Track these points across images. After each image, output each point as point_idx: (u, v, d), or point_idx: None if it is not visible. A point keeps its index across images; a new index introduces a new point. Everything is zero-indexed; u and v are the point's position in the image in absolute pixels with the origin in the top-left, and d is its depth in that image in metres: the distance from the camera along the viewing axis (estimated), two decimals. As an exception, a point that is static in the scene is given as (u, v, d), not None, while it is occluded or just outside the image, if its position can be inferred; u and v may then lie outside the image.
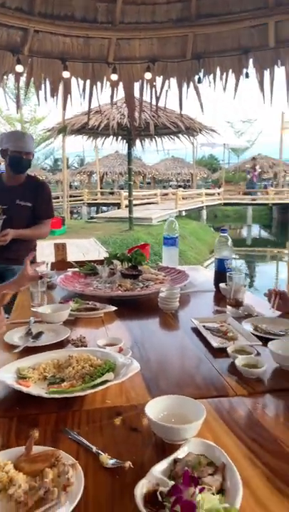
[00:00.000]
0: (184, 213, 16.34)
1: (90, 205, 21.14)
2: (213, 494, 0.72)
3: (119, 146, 11.75)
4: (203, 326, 1.64)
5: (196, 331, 1.64)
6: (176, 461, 0.83)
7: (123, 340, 1.49)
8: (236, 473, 0.79)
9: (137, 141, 10.98)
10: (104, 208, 21.33)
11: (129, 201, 11.55)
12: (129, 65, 3.82)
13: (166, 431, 0.92)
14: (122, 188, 21.34)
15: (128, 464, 0.85)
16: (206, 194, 19.91)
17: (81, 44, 3.58)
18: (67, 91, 4.02)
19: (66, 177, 16.36)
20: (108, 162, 25.23)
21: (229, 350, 1.36)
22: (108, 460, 0.87)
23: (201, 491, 0.70)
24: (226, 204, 20.91)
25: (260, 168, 25.68)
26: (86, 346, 1.50)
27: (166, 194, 20.90)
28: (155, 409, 0.98)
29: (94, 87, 4.01)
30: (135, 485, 0.76)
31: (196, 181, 27.61)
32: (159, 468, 0.81)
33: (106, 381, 1.15)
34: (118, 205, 18.54)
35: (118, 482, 0.82)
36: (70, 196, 18.80)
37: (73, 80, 3.99)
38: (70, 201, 18.19)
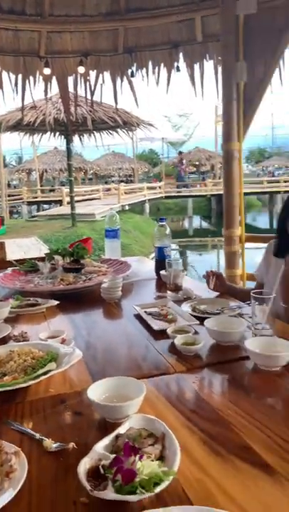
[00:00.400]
0: (127, 207, 16.41)
1: (30, 203, 20.58)
2: (152, 461, 0.76)
3: (58, 142, 11.59)
4: (145, 312, 1.69)
5: (139, 317, 1.68)
6: (117, 436, 0.86)
7: (66, 331, 1.50)
8: (175, 440, 0.84)
9: (76, 137, 10.86)
10: (46, 206, 20.87)
11: (71, 198, 11.40)
12: (61, 59, 3.78)
13: (107, 410, 0.95)
14: (64, 185, 20.97)
15: (71, 445, 0.87)
16: (148, 188, 20.13)
17: (10, 37, 3.48)
18: (-2, 85, 3.90)
19: (3, 176, 15.81)
20: (47, 159, 24.67)
21: (169, 331, 1.41)
22: (52, 444, 0.88)
23: (140, 458, 0.74)
24: (167, 197, 21.29)
25: (198, 161, 26.39)
26: (28, 341, 1.49)
27: (108, 189, 20.87)
28: (97, 391, 1.01)
29: (26, 81, 3.92)
30: (78, 463, 0.78)
31: (138, 176, 27.81)
32: (102, 444, 0.84)
33: (48, 371, 1.16)
34: (60, 203, 18.22)
35: (62, 464, 0.84)
36: (9, 195, 18.20)
37: (4, 74, 3.87)
38: (9, 200, 17.61)
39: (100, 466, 0.76)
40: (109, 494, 0.70)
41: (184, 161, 24.35)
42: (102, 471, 0.75)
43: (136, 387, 1.02)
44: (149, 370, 1.24)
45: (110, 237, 2.86)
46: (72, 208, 11.43)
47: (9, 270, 2.44)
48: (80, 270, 2.33)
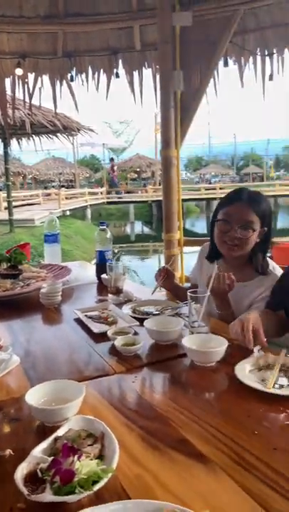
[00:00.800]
0: (68, 213, 16.16)
1: None
2: (91, 460, 0.77)
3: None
4: (85, 315, 1.68)
5: (79, 321, 1.67)
6: (56, 439, 0.85)
7: (2, 339, 1.45)
8: (113, 438, 0.84)
9: (14, 141, 10.54)
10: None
11: (9, 203, 11.04)
12: (-3, 59, 3.67)
13: (46, 414, 0.94)
14: (0, 190, 20.24)
15: (8, 451, 0.85)
16: (90, 193, 20.02)
17: None
18: None
19: None
20: (-17, 163, 23.67)
21: (109, 333, 1.42)
22: (-13, 453, 0.85)
23: (79, 458, 0.74)
24: (108, 203, 21.30)
25: (139, 168, 26.72)
26: None
27: (48, 194, 20.44)
28: (35, 396, 0.99)
29: None
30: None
31: (79, 181, 27.58)
32: (40, 448, 0.82)
33: (-16, 378, 1.12)
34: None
35: (-1, 471, 0.81)
36: None
37: None
38: None
39: (38, 470, 0.75)
40: (47, 496, 0.69)
41: (116, 168, 24.77)
42: (39, 474, 0.74)
43: (75, 389, 1.01)
44: (90, 373, 1.24)
45: (50, 242, 2.82)
46: (10, 213, 11.06)
47: None
48: (17, 276, 2.26)
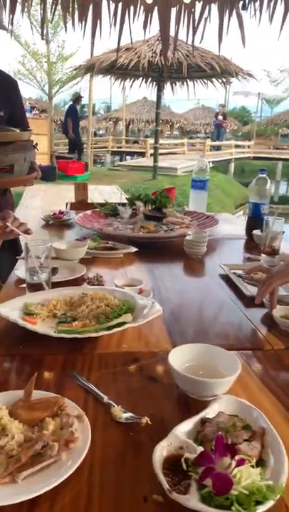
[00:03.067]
0: (210, 165, 15.71)
1: (114, 153, 20.56)
2: (252, 467, 0.57)
3: (148, 90, 11.09)
4: (234, 273, 1.46)
5: (226, 277, 1.46)
6: (204, 421, 0.68)
7: (144, 282, 1.33)
8: (279, 441, 0.63)
9: (168, 85, 10.34)
10: (128, 157, 20.76)
11: (155, 149, 11.07)
12: (166, -15, 3.40)
13: (192, 384, 0.77)
14: (148, 138, 20.60)
15: (145, 419, 0.71)
16: (236, 146, 19.03)
17: None
18: (97, 15, 3.64)
19: (91, 123, 15.80)
20: (135, 109, 24.25)
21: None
22: (121, 413, 0.73)
23: (239, 463, 0.55)
24: (255, 158, 19.97)
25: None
26: (103, 286, 1.35)
27: (193, 145, 20.11)
28: (179, 358, 0.83)
29: (126, 11, 3.62)
30: (152, 445, 0.62)
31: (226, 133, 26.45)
32: (183, 428, 0.66)
33: (123, 323, 1.00)
34: (143, 155, 17.97)
35: (132, 441, 0.68)
36: (95, 144, 18.26)
37: (104, 4, 3.60)
38: (94, 149, 17.68)
39: (183, 460, 0.58)
40: (194, 502, 0.52)
41: (221, 116, 17.94)
42: (184, 466, 0.58)
43: (227, 360, 0.82)
44: (240, 342, 1.04)
45: (197, 188, 2.62)
46: (155, 160, 11.13)
47: (89, 212, 2.32)
48: (161, 219, 2.14)
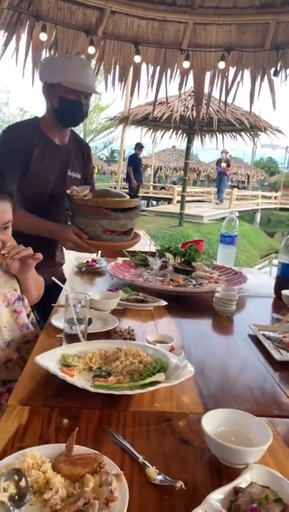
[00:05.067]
0: (237, 214, 15.85)
1: (141, 198, 21.10)
2: None
3: (178, 141, 11.52)
4: (263, 335, 1.49)
5: (254, 338, 1.49)
6: (237, 490, 0.70)
7: (174, 338, 1.37)
8: (311, 519, 0.65)
9: (197, 137, 10.75)
10: (154, 203, 21.24)
11: (182, 196, 11.35)
12: (202, 53, 3.66)
13: (225, 451, 0.80)
14: (175, 184, 21.11)
15: (180, 484, 0.74)
16: (262, 196, 19.26)
17: (156, 28, 3.46)
18: (136, 76, 3.93)
19: (121, 168, 16.43)
20: (164, 157, 25.09)
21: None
22: (156, 475, 0.76)
23: (273, 538, 0.57)
24: (282, 209, 20.13)
25: None
26: (134, 339, 1.40)
27: (220, 193, 20.44)
28: (212, 422, 0.86)
29: (164, 74, 3.89)
30: (186, 511, 0.65)
31: (252, 183, 26.86)
32: (217, 496, 0.69)
33: (157, 382, 1.04)
34: (169, 201, 18.38)
35: (167, 504, 0.71)
36: (123, 188, 18.87)
37: (143, 66, 3.89)
38: (123, 193, 18.20)
39: (218, 529, 0.61)
40: None
41: (225, 164, 16.06)
42: (219, 535, 0.60)
43: (259, 428, 0.85)
44: (269, 408, 1.06)
45: (226, 243, 2.69)
46: (182, 207, 11.38)
47: (120, 261, 2.41)
48: (190, 273, 2.20)
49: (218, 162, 16.16)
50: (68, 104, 1.86)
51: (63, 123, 1.94)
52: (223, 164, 15.77)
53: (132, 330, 1.47)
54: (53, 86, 1.86)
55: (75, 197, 1.88)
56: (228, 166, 16.06)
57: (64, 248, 1.87)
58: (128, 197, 2.00)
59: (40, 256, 1.39)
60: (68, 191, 1.94)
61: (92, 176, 2.27)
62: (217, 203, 16.25)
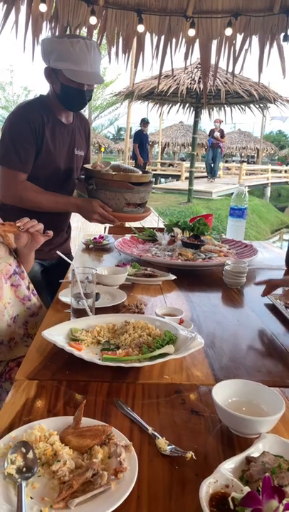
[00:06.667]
0: (246, 189, 15.65)
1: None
2: (300, 512, 0.57)
3: (185, 115, 11.23)
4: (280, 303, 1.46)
5: (271, 308, 1.47)
6: (249, 460, 0.69)
7: (183, 311, 1.35)
8: None
9: (205, 110, 10.50)
10: (162, 180, 21.03)
11: (190, 172, 11.18)
12: (208, 20, 3.52)
13: (236, 421, 0.78)
14: (183, 160, 20.82)
15: (190, 454, 0.72)
16: (272, 170, 18.92)
17: (159, -6, 3.32)
18: (140, 47, 3.80)
19: (128, 146, 16.21)
20: (171, 132, 24.65)
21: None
22: (166, 446, 0.74)
23: (287, 507, 0.55)
24: (292, 183, 19.82)
25: None
26: (143, 313, 1.38)
27: (228, 168, 20.16)
28: (223, 393, 0.84)
29: (168, 43, 3.76)
30: (197, 480, 0.64)
31: (262, 157, 26.36)
32: (229, 466, 0.67)
33: (166, 354, 1.02)
34: (178, 178, 18.18)
35: (178, 474, 0.69)
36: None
37: (147, 36, 3.75)
38: (131, 170, 18.03)
39: (230, 499, 0.59)
40: None
41: (219, 134, 13.73)
42: (231, 505, 0.59)
43: (271, 398, 0.82)
44: (282, 378, 1.03)
45: (235, 216, 2.65)
46: (190, 183, 11.23)
47: (127, 236, 2.38)
48: (199, 247, 2.16)
49: (211, 132, 13.84)
50: (70, 92, 1.82)
51: (66, 107, 1.93)
52: (217, 134, 13.59)
53: (141, 304, 1.45)
54: (55, 71, 1.81)
55: (103, 172, 1.94)
56: (223, 136, 13.96)
57: (87, 220, 1.95)
58: (140, 171, 2.02)
59: (51, 233, 1.43)
60: (90, 167, 2.00)
61: (89, 152, 2.27)
62: (212, 181, 14.75)
